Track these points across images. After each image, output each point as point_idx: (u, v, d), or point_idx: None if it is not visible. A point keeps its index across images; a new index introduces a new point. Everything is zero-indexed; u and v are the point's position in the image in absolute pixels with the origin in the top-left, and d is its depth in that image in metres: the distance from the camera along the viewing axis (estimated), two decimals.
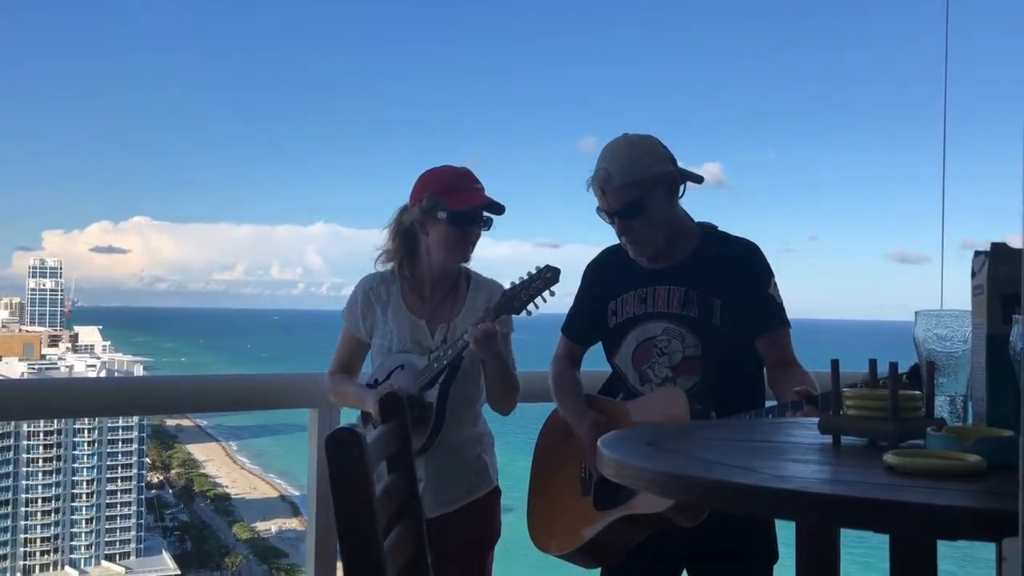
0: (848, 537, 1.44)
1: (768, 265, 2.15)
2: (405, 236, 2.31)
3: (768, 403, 2.14)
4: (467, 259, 2.31)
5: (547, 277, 2.12)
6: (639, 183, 2.05)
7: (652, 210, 2.07)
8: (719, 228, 2.21)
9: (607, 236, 2.27)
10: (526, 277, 2.15)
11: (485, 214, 2.27)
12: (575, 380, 2.29)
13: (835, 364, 1.29)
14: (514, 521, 2.33)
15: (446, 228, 2.24)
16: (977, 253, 1.25)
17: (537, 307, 2.15)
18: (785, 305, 2.15)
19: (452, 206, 2.22)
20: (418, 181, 2.30)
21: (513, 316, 2.27)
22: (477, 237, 2.29)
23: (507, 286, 2.19)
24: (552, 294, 2.13)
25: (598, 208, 2.12)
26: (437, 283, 2.33)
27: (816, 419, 1.34)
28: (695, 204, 2.20)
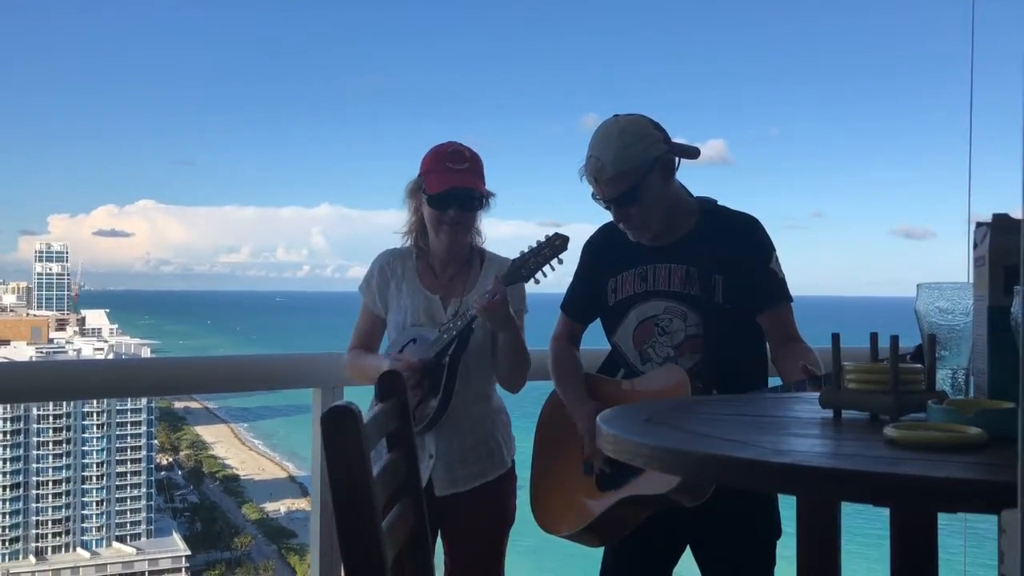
0: (849, 511, 1.44)
1: (769, 239, 2.13)
2: (416, 209, 2.33)
3: (771, 381, 2.14)
4: (456, 243, 2.28)
5: (556, 245, 2.12)
6: (633, 171, 2.02)
7: (648, 195, 2.04)
8: (718, 203, 2.19)
9: (609, 214, 2.25)
10: (535, 245, 2.15)
11: (475, 196, 2.23)
12: (575, 362, 2.27)
13: (836, 338, 1.29)
14: (526, 501, 2.32)
15: (428, 209, 2.26)
16: (979, 224, 1.24)
17: (545, 275, 2.14)
18: (789, 282, 2.13)
19: (427, 188, 2.25)
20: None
21: (527, 297, 2.28)
22: (459, 219, 2.24)
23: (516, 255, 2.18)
24: (560, 262, 2.13)
25: (593, 195, 2.09)
26: (447, 260, 2.33)
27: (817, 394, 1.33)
28: (698, 182, 2.15)
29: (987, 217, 1.25)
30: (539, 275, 2.14)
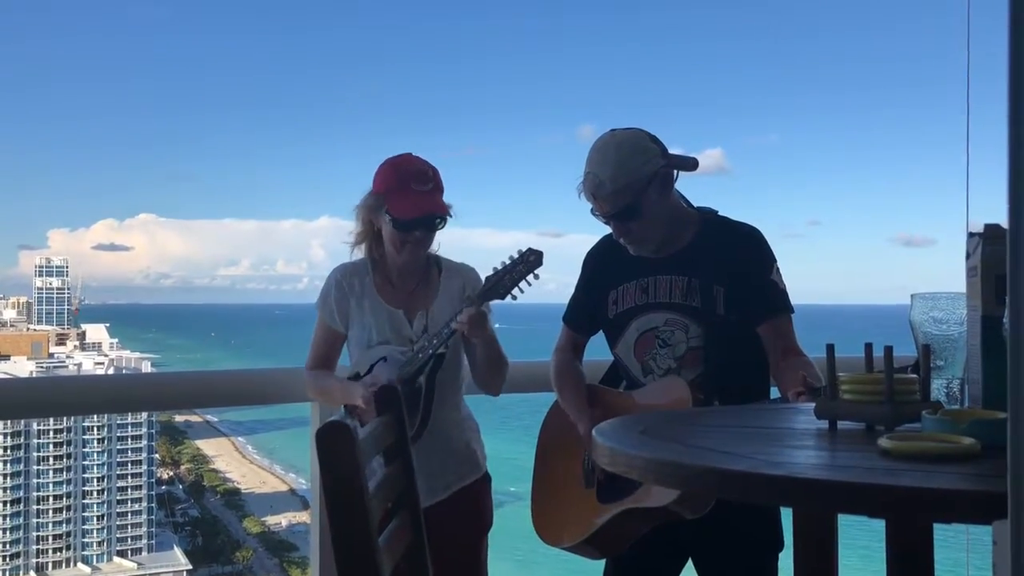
0: (848, 523, 1.43)
1: (770, 250, 2.13)
2: (370, 221, 2.28)
3: (774, 392, 2.13)
4: (416, 260, 2.27)
5: (530, 261, 2.10)
6: (631, 186, 2.01)
7: (647, 210, 2.04)
8: (719, 213, 2.19)
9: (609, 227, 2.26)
10: (508, 262, 2.12)
11: (434, 218, 2.21)
12: (577, 372, 2.27)
13: (831, 349, 1.29)
14: (508, 512, 2.33)
15: (390, 229, 2.22)
16: (971, 234, 1.25)
17: (522, 291, 2.12)
18: (788, 290, 2.13)
19: (391, 211, 2.19)
20: (377, 170, 2.26)
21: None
22: (421, 240, 2.23)
23: (490, 271, 2.15)
24: (536, 277, 2.11)
25: (592, 210, 2.09)
26: (404, 272, 2.29)
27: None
28: (696, 191, 2.14)
29: (983, 226, 1.25)
30: (515, 291, 2.12)
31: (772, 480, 0.95)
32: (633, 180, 2.01)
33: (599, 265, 2.25)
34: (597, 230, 2.26)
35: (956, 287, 1.34)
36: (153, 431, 39.21)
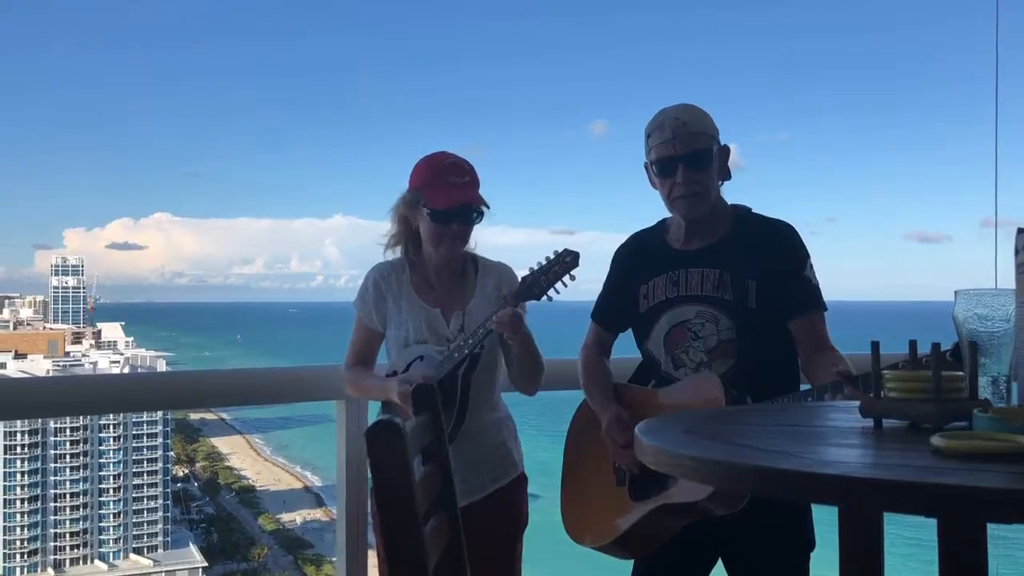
0: (891, 523, 1.42)
1: (804, 246, 2.12)
2: (407, 221, 2.29)
3: (804, 388, 2.12)
4: (455, 255, 2.27)
5: (566, 262, 2.10)
6: (710, 135, 2.09)
7: (714, 164, 2.09)
8: (752, 210, 2.18)
9: (622, 222, 2.29)
10: (545, 262, 2.12)
11: (479, 210, 2.22)
12: (604, 369, 2.26)
13: (875, 346, 1.28)
14: (541, 508, 2.32)
15: (428, 223, 2.22)
16: (1020, 231, 1.23)
17: (558, 292, 2.12)
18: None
19: (430, 203, 2.20)
20: (413, 168, 2.28)
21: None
22: (461, 233, 2.23)
23: (526, 271, 2.15)
24: (572, 278, 2.11)
25: (652, 161, 2.08)
26: (441, 270, 2.30)
27: (856, 402, 1.31)
28: None
29: (1005, 223, 1.24)
30: (551, 292, 2.12)
31: (825, 479, 0.94)
32: (711, 132, 2.10)
33: (629, 262, 2.24)
34: (610, 228, 2.27)
35: (973, 283, 1.33)
36: (168, 429, 39.45)
